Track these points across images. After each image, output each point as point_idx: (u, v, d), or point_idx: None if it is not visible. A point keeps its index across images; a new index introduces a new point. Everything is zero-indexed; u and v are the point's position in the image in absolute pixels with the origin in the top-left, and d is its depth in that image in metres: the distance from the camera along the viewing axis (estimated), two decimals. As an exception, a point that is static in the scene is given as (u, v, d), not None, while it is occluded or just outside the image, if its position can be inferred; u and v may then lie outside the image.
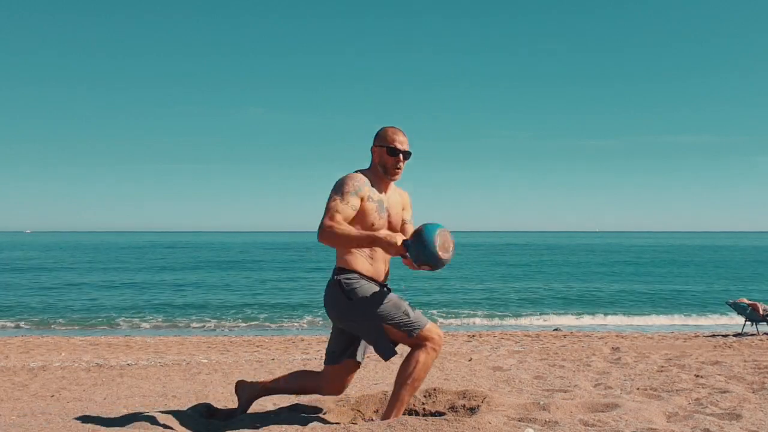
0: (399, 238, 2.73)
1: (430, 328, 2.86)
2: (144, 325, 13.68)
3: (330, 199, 2.79)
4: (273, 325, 13.67)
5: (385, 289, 2.93)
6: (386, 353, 2.86)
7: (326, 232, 2.72)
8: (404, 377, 2.84)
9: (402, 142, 2.96)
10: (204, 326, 13.58)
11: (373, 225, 2.89)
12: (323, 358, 3.09)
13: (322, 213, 2.79)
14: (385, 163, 2.95)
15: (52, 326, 13.40)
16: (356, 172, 2.95)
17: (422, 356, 2.83)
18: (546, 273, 29.46)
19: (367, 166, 3.05)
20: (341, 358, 3.03)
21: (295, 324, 13.84)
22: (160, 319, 14.50)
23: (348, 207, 2.78)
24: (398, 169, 2.96)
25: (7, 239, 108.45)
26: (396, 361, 3.02)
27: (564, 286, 22.56)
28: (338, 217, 2.75)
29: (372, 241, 2.74)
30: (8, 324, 13.58)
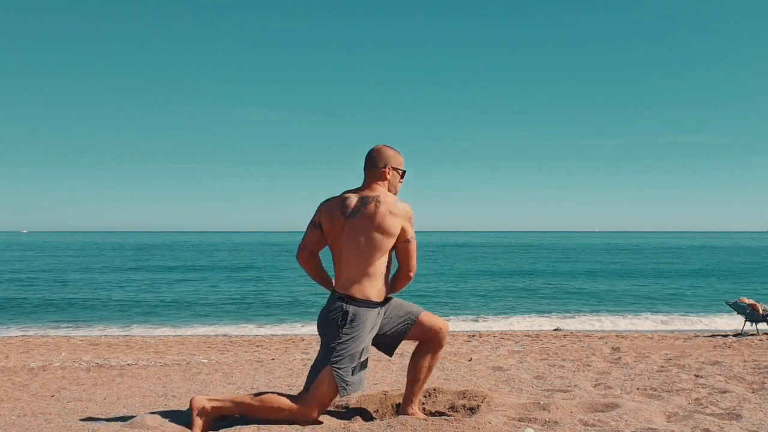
0: None
1: (329, 396, 2.87)
2: (144, 325, 13.67)
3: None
4: (273, 325, 13.67)
5: (367, 329, 2.90)
6: (307, 385, 2.89)
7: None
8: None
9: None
10: (204, 326, 13.57)
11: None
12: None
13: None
14: (396, 184, 3.08)
15: (52, 326, 13.40)
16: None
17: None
18: (546, 273, 29.46)
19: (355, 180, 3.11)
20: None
21: (295, 324, 13.84)
22: (160, 319, 14.50)
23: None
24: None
25: (4, 239, 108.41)
26: (395, 361, 3.02)
27: (564, 286, 22.57)
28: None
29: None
30: (8, 324, 13.57)
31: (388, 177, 3.02)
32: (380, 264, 2.89)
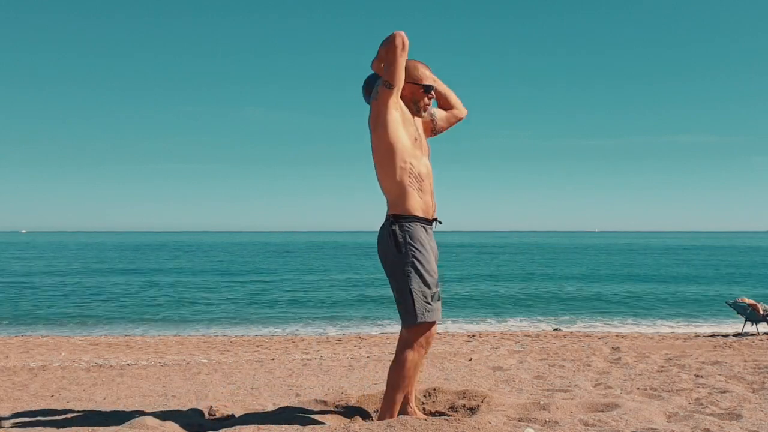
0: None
1: (432, 329, 2.82)
2: (144, 325, 13.67)
3: (379, 89, 2.74)
4: (273, 325, 13.67)
5: (431, 265, 2.81)
6: (406, 319, 2.77)
7: (384, 81, 2.71)
8: (395, 378, 2.81)
9: (432, 79, 2.93)
10: (204, 326, 13.57)
11: (420, 144, 2.86)
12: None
13: (376, 96, 2.74)
14: (417, 100, 2.87)
15: (52, 326, 13.39)
16: None
17: (411, 355, 2.79)
18: (546, 273, 29.46)
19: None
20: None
21: (295, 324, 13.83)
22: (160, 319, 14.50)
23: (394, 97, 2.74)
24: (429, 106, 2.93)
25: (2, 239, 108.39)
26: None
27: (564, 286, 22.56)
28: (392, 89, 2.72)
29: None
30: (8, 324, 13.57)
31: (403, 92, 2.83)
32: (393, 180, 2.78)
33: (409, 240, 2.76)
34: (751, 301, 9.62)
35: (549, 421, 2.94)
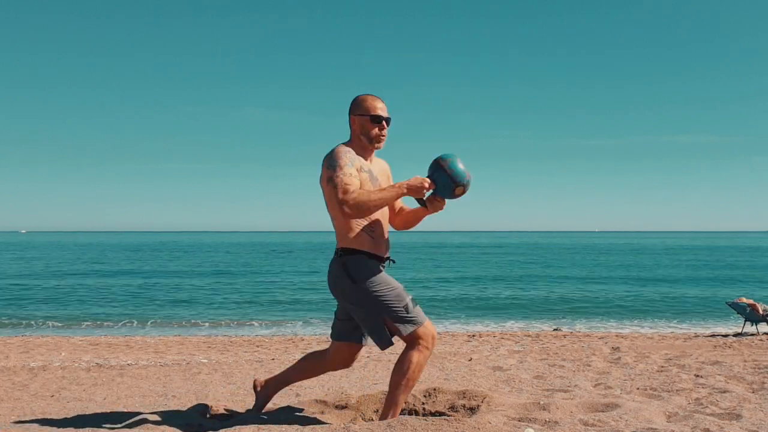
0: (421, 178, 2.79)
1: (426, 327, 2.84)
2: (144, 325, 13.67)
3: (332, 176, 2.74)
4: (273, 325, 13.67)
5: (391, 281, 2.88)
6: (382, 343, 2.84)
7: (352, 204, 2.69)
8: (398, 379, 2.83)
9: (383, 109, 2.92)
10: (204, 326, 13.57)
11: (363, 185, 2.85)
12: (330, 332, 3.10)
13: (331, 192, 2.75)
14: (368, 132, 2.89)
15: (52, 326, 13.39)
16: (339, 145, 2.89)
17: (415, 356, 2.81)
18: (545, 272, 29.46)
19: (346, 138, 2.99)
20: (347, 338, 3.03)
21: (295, 324, 13.84)
22: (160, 319, 14.50)
23: (352, 177, 2.75)
24: (383, 136, 2.92)
25: (1, 239, 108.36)
26: (393, 359, 3.02)
27: (564, 286, 22.56)
28: (351, 187, 2.71)
29: (400, 193, 2.78)
30: (8, 323, 13.57)
31: (354, 128, 2.91)
32: (344, 222, 2.84)
33: (362, 269, 2.82)
34: (751, 301, 9.61)
35: (549, 421, 2.94)
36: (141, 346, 8.91)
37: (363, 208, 2.71)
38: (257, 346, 8.75)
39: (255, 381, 3.33)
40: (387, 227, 2.98)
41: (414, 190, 2.79)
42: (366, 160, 2.91)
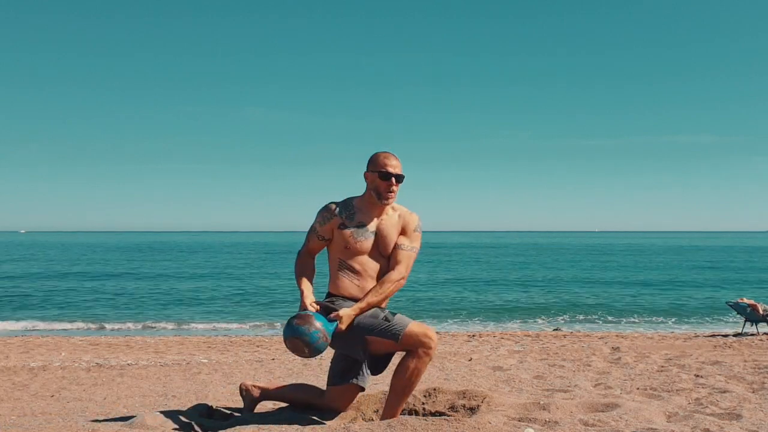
0: (307, 302, 2.89)
1: (416, 330, 2.84)
2: (144, 324, 13.67)
3: (310, 228, 3.08)
4: (273, 325, 13.67)
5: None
6: (380, 367, 3.01)
7: (296, 260, 3.10)
8: (397, 386, 2.88)
9: (394, 166, 2.98)
10: (204, 326, 13.58)
11: (346, 248, 2.97)
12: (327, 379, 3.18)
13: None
14: (377, 187, 2.97)
15: (52, 326, 13.40)
16: (347, 198, 3.06)
17: (413, 363, 2.84)
18: (545, 272, 29.46)
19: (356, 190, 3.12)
20: (343, 381, 3.07)
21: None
22: (160, 319, 14.50)
23: (314, 237, 3.04)
24: (391, 192, 2.98)
25: (1, 239, 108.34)
26: (394, 360, 3.02)
27: (564, 286, 22.56)
28: (305, 247, 3.08)
29: (299, 289, 3.01)
30: (9, 323, 13.57)
31: (367, 183, 3.02)
32: (330, 266, 3.08)
33: (332, 306, 2.91)
34: (751, 301, 9.62)
35: (549, 421, 2.94)
36: (141, 346, 8.91)
37: (294, 268, 3.08)
38: (257, 346, 8.75)
39: (242, 385, 3.35)
40: (374, 277, 3.00)
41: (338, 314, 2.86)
42: (373, 215, 3.01)
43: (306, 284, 2.99)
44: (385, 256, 3.00)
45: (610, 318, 14.46)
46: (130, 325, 13.66)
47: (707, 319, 14.13)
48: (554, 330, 11.62)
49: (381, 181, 2.96)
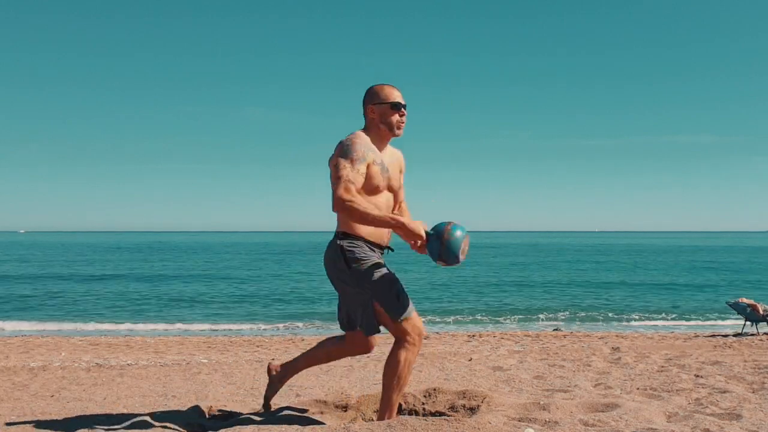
0: (422, 229, 2.73)
1: (414, 321, 2.82)
2: (144, 324, 13.68)
3: (340, 166, 2.69)
4: (273, 325, 13.67)
5: (385, 268, 2.87)
6: (368, 329, 2.86)
7: (344, 206, 2.64)
8: (390, 379, 2.83)
9: (401, 96, 2.92)
10: (204, 326, 13.58)
11: (377, 188, 2.83)
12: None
13: (333, 181, 2.69)
14: (388, 119, 2.87)
15: (52, 326, 13.39)
16: (359, 132, 2.86)
17: (403, 354, 2.81)
18: (545, 272, 29.46)
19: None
20: (351, 328, 3.01)
21: (295, 324, 13.84)
22: (160, 319, 14.50)
23: (359, 175, 2.71)
24: (403, 123, 2.92)
25: (0, 239, 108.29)
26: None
27: (564, 286, 22.56)
28: (352, 188, 2.66)
29: (393, 226, 2.73)
30: (9, 323, 13.57)
31: (372, 116, 2.89)
32: None
33: (359, 253, 2.81)
34: (751, 301, 9.62)
35: (549, 421, 2.94)
36: (141, 346, 8.91)
37: (352, 216, 2.68)
38: (257, 346, 8.75)
39: (270, 365, 3.30)
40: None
41: (406, 235, 2.78)
42: (381, 149, 2.90)
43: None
44: (390, 192, 2.94)
45: (610, 318, 14.46)
46: (130, 325, 13.66)
47: (707, 319, 14.13)
48: (554, 330, 11.62)
49: (392, 111, 2.87)
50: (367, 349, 3.07)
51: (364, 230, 2.83)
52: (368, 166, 2.77)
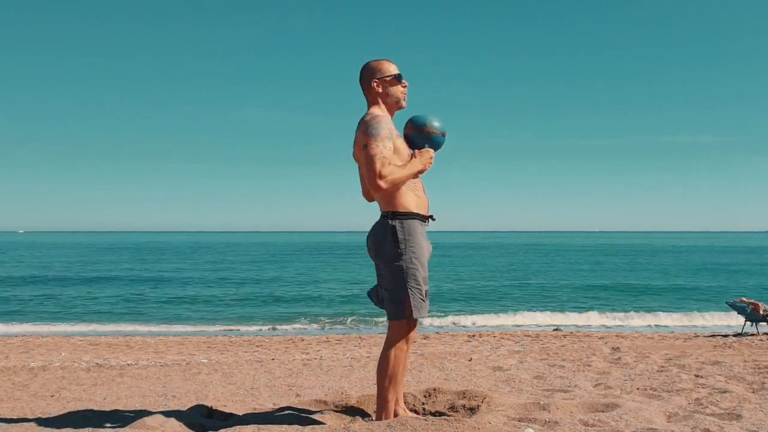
0: (426, 151, 2.86)
1: (416, 324, 2.86)
2: (144, 325, 13.67)
3: (371, 146, 2.72)
4: (273, 325, 13.67)
5: (425, 263, 2.86)
6: (397, 313, 2.81)
7: (387, 181, 2.71)
8: (383, 378, 2.84)
9: (398, 69, 2.95)
10: (204, 326, 13.58)
11: (405, 162, 2.86)
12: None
13: (368, 163, 2.72)
14: (394, 93, 2.91)
15: (52, 326, 13.39)
16: (375, 109, 2.88)
17: (396, 353, 2.81)
18: (546, 273, 29.46)
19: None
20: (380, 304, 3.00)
21: (295, 324, 13.84)
22: (159, 319, 14.50)
23: (389, 151, 2.75)
24: (406, 94, 2.96)
25: (0, 239, 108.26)
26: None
27: (564, 286, 22.57)
28: (387, 163, 2.72)
29: (417, 170, 2.82)
30: (8, 323, 13.57)
31: (378, 90, 2.89)
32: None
33: (408, 237, 2.80)
34: (752, 301, 9.62)
35: (549, 421, 2.94)
36: (141, 346, 8.91)
37: (396, 186, 2.76)
38: (257, 346, 8.75)
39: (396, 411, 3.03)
40: (423, 186, 2.98)
41: (427, 164, 2.86)
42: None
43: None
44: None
45: (610, 318, 14.46)
46: (130, 325, 13.67)
47: (707, 318, 14.13)
48: (554, 330, 11.62)
49: (396, 82, 2.91)
50: (404, 334, 2.92)
51: (412, 203, 2.85)
52: (393, 141, 2.82)
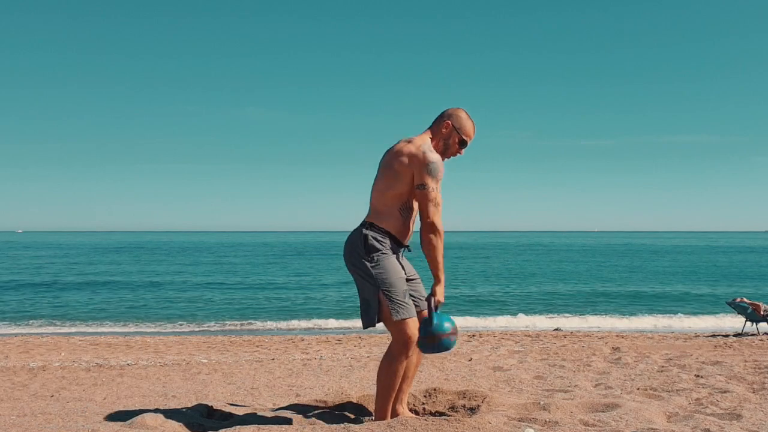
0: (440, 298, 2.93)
1: (411, 324, 2.84)
2: (144, 324, 13.68)
3: (431, 188, 2.80)
4: (273, 325, 13.68)
5: (399, 266, 2.92)
6: (368, 319, 2.88)
7: (438, 233, 2.84)
8: (383, 379, 2.87)
9: (472, 137, 3.05)
10: (204, 326, 13.58)
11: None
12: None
13: (427, 200, 2.79)
14: (450, 147, 3.00)
15: (52, 326, 13.39)
16: (429, 146, 2.90)
17: (395, 357, 2.84)
18: (546, 273, 29.47)
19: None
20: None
21: (295, 324, 13.84)
22: (159, 319, 14.50)
23: (439, 195, 2.86)
24: (454, 156, 3.04)
25: None
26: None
27: (564, 286, 22.57)
28: (439, 208, 2.84)
29: (441, 276, 2.90)
30: (8, 323, 13.57)
31: (443, 131, 2.98)
32: (389, 201, 2.89)
33: (378, 246, 2.86)
34: (752, 302, 9.63)
35: (549, 421, 2.94)
36: (141, 346, 8.91)
37: (437, 243, 2.84)
38: (257, 346, 8.75)
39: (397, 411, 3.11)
40: (415, 221, 3.02)
41: (436, 298, 2.91)
42: None
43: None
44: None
45: (610, 318, 14.47)
46: (130, 325, 13.67)
47: (707, 319, 14.13)
48: (554, 330, 11.62)
49: (457, 144, 3.00)
50: (405, 337, 2.92)
51: (394, 227, 2.91)
52: None
